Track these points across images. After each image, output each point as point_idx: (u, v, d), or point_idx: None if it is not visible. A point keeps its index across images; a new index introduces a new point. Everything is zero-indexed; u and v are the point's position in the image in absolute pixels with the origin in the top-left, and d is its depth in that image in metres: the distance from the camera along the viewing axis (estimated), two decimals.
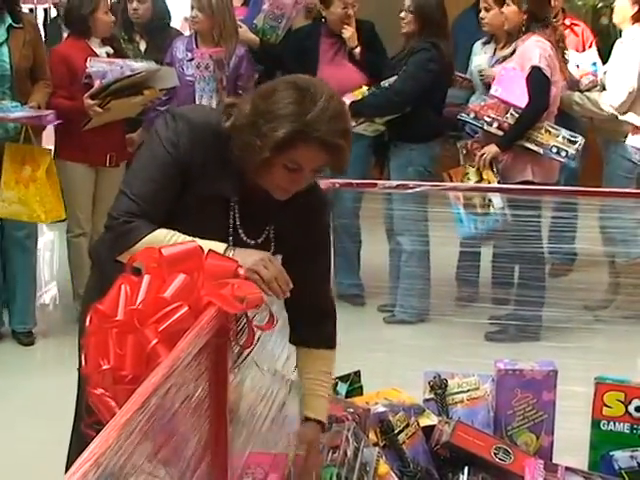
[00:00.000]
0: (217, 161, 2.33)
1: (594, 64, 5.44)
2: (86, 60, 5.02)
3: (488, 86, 5.22)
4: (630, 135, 5.00)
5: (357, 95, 5.29)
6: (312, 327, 2.65)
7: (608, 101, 5.21)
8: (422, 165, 5.32)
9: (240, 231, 2.41)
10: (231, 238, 2.39)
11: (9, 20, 4.93)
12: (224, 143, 2.32)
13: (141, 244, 2.20)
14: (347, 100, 5.24)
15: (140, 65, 5.18)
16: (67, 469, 2.72)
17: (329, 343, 2.70)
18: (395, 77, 5.24)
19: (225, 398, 2.08)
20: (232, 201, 2.39)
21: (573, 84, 5.39)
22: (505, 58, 5.23)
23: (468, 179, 4.99)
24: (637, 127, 4.82)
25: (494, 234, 5.05)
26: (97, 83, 4.91)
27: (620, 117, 5.08)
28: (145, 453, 1.78)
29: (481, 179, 4.97)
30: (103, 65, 5.03)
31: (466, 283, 5.60)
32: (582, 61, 5.47)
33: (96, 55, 5.12)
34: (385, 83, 5.26)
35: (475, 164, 4.98)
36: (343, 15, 5.44)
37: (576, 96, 5.31)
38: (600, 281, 5.55)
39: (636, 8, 5.24)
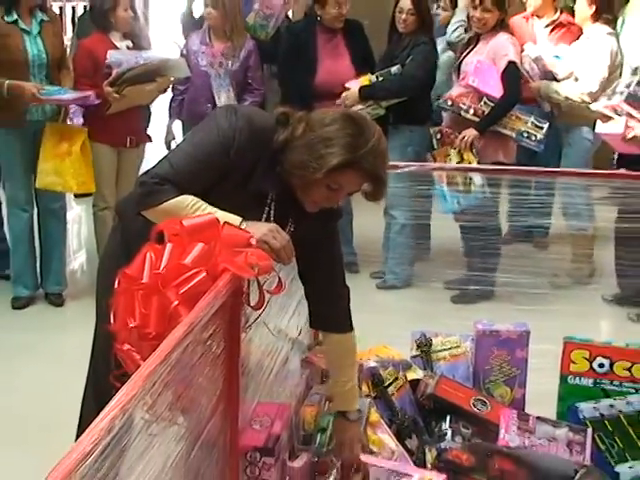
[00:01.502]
0: (265, 163, 2.32)
1: (557, 57, 5.43)
2: (107, 52, 5.01)
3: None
4: (600, 122, 5.00)
5: (364, 82, 5.28)
6: (330, 310, 2.69)
7: (582, 90, 5.23)
8: (420, 145, 5.33)
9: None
10: None
11: (40, 15, 4.95)
12: (276, 152, 2.31)
13: (167, 205, 2.19)
14: (354, 86, 5.26)
15: (153, 55, 5.20)
16: (81, 418, 2.76)
17: (349, 325, 2.73)
18: (398, 66, 5.22)
19: (238, 354, 2.09)
20: (269, 198, 2.40)
21: (547, 74, 5.39)
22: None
23: (450, 160, 4.99)
24: (605, 115, 4.82)
25: (474, 210, 5.07)
26: (115, 72, 4.92)
27: (591, 106, 5.08)
28: (166, 402, 1.79)
29: (462, 160, 4.97)
30: (120, 56, 5.03)
31: (450, 253, 5.61)
32: (548, 53, 5.48)
33: (116, 48, 5.10)
34: (393, 69, 5.23)
35: (457, 146, 4.97)
36: (337, 15, 5.41)
37: (554, 85, 5.31)
38: (567, 252, 5.57)
39: (594, 8, 5.30)
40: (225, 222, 2.07)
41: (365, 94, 5.23)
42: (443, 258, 5.62)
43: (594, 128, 5.17)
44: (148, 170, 2.31)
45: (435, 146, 5.12)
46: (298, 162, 2.28)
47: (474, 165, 4.96)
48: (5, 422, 3.67)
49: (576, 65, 5.32)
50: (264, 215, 2.39)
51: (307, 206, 2.37)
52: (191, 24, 6.59)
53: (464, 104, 4.97)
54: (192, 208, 2.18)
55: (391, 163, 4.52)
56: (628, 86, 4.72)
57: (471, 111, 4.98)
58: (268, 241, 2.14)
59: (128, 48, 5.16)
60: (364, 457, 2.72)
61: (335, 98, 5.26)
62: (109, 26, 5.11)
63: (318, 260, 2.59)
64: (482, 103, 4.97)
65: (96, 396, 2.68)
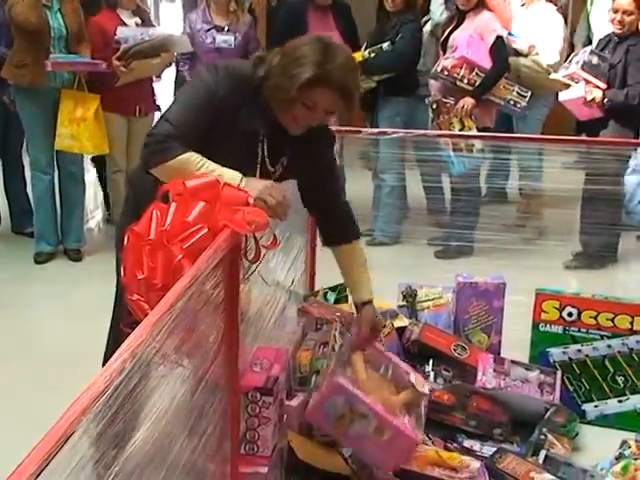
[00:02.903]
0: (250, 104, 2.31)
1: (510, 34, 5.42)
2: (116, 28, 4.98)
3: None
4: (560, 91, 5.05)
5: (357, 58, 5.23)
6: (338, 226, 2.68)
7: (545, 62, 5.30)
8: (407, 115, 5.33)
9: (267, 160, 2.40)
10: (259, 166, 2.39)
11: None
12: (256, 88, 2.31)
13: (174, 162, 2.17)
14: None
15: (157, 32, 5.19)
16: (104, 361, 2.76)
17: (355, 233, 2.71)
18: (388, 42, 5.19)
19: (237, 303, 2.09)
20: (261, 135, 2.37)
21: (511, 50, 5.39)
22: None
23: (453, 127, 5.01)
24: (564, 84, 4.90)
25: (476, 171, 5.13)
26: (122, 47, 4.89)
27: (552, 75, 5.13)
28: (172, 346, 1.79)
29: (463, 126, 5.00)
30: (128, 32, 5.01)
31: (434, 212, 5.60)
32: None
33: (125, 24, 5.07)
34: (385, 46, 5.20)
35: (457, 114, 4.98)
36: None
37: (522, 60, 5.31)
38: (538, 211, 5.57)
39: None
40: (225, 183, 2.06)
41: (360, 70, 5.19)
42: (424, 217, 5.60)
43: (555, 96, 5.25)
44: (150, 132, 2.28)
45: (431, 115, 5.11)
46: (274, 86, 2.27)
47: (455, 132, 4.97)
48: (27, 364, 3.68)
49: (535, 40, 5.34)
50: (259, 153, 2.38)
51: (290, 129, 2.35)
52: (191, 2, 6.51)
53: (458, 74, 4.98)
54: (197, 165, 2.16)
55: (381, 130, 4.57)
56: (582, 55, 4.80)
57: (465, 80, 4.99)
58: (264, 198, 2.12)
59: (137, 25, 5.13)
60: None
61: None
62: (115, 3, 5.08)
63: (320, 185, 2.60)
64: (474, 74, 4.98)
65: (115, 341, 2.68)
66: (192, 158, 2.17)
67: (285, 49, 2.30)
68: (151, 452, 1.67)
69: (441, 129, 5.03)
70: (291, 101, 2.25)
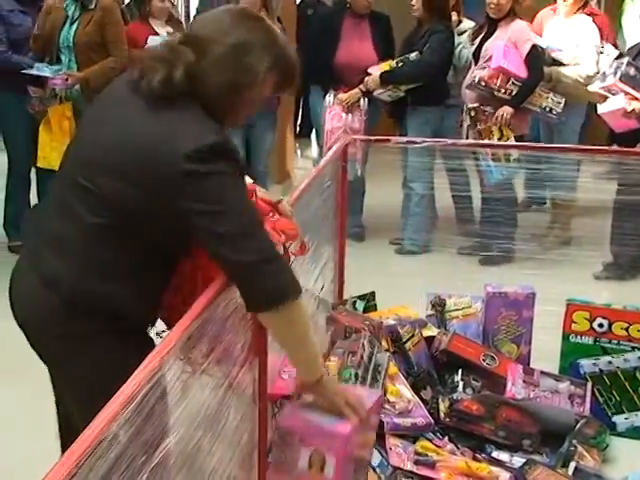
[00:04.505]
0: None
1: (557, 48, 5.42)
2: (147, 38, 5.01)
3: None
4: (598, 103, 5.00)
5: (384, 67, 5.27)
6: None
7: (584, 73, 5.24)
8: (436, 124, 5.32)
9: None
10: None
11: (87, 3, 4.92)
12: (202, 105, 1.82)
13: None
14: (376, 71, 5.24)
15: None
16: None
17: None
18: (416, 52, 5.19)
19: None
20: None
21: (549, 59, 5.35)
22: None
23: (493, 136, 5.01)
24: (602, 95, 4.84)
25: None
26: None
27: (589, 87, 5.07)
28: (200, 354, 1.80)
29: (502, 135, 5.01)
30: (157, 41, 5.03)
31: (463, 221, 5.57)
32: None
33: (156, 34, 5.12)
34: (412, 56, 5.21)
35: (497, 123, 4.98)
36: (365, 2, 5.39)
37: (563, 70, 5.28)
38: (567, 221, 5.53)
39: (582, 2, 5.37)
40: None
41: (385, 79, 5.23)
42: (453, 226, 5.58)
43: (593, 107, 5.18)
44: (242, 260, 1.74)
45: (469, 122, 5.10)
46: (225, 85, 1.82)
47: (485, 142, 4.96)
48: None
49: (574, 51, 5.30)
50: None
51: (236, 124, 2.01)
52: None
53: (495, 84, 4.97)
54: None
55: (410, 139, 4.56)
56: (619, 67, 4.72)
57: (502, 91, 4.99)
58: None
59: (168, 34, 5.17)
60: None
61: (355, 83, 5.27)
62: (147, 14, 5.13)
63: None
64: (510, 83, 4.98)
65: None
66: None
67: (195, 40, 1.84)
68: (179, 459, 1.68)
69: (482, 137, 5.03)
70: (256, 95, 1.89)
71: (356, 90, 5.27)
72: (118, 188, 1.76)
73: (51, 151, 4.86)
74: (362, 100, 5.28)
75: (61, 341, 1.84)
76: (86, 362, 1.82)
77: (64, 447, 1.41)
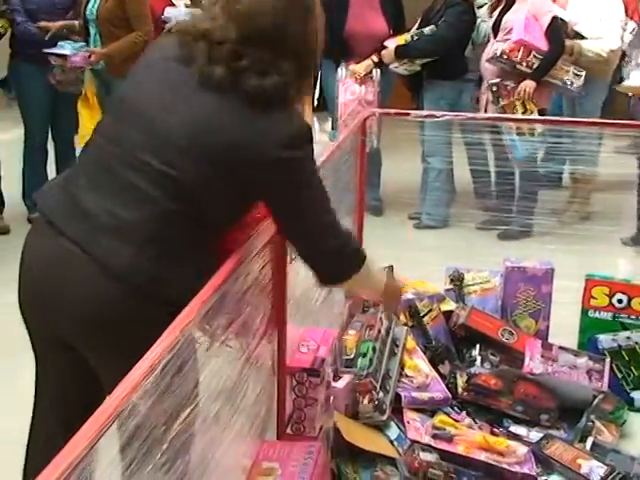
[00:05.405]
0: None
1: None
2: (163, 9, 5.10)
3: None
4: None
5: (400, 41, 5.21)
6: None
7: (608, 47, 5.16)
8: (452, 98, 5.27)
9: None
10: None
11: None
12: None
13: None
14: (392, 45, 5.19)
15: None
16: None
17: None
18: (432, 26, 5.14)
19: (284, 284, 2.09)
20: None
21: (571, 32, 5.28)
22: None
23: (516, 110, 4.96)
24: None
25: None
26: (166, 27, 4.96)
27: (625, 83, 5.02)
28: (220, 326, 1.80)
29: (525, 109, 4.96)
30: (173, 12, 5.11)
31: (481, 196, 5.54)
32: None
33: (173, 5, 5.18)
34: (426, 30, 5.15)
35: (520, 97, 4.93)
36: None
37: (585, 43, 5.20)
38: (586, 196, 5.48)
39: None
40: None
41: (400, 53, 5.19)
42: (472, 200, 5.55)
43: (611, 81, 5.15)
44: (333, 241, 1.88)
45: (491, 97, 5.05)
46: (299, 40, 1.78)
47: (503, 115, 4.91)
48: None
49: (596, 25, 5.23)
50: None
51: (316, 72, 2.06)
52: None
53: (516, 57, 4.92)
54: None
55: (427, 113, 4.53)
56: None
57: (524, 64, 4.93)
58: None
59: (186, 6, 5.18)
60: None
61: (366, 53, 5.24)
62: None
63: None
64: (532, 56, 4.92)
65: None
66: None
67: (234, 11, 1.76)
68: (198, 430, 1.68)
69: (505, 112, 4.98)
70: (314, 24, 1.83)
71: (369, 62, 5.24)
72: (204, 174, 1.72)
73: (92, 127, 4.87)
74: (375, 72, 5.25)
75: (124, 328, 1.71)
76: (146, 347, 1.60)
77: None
